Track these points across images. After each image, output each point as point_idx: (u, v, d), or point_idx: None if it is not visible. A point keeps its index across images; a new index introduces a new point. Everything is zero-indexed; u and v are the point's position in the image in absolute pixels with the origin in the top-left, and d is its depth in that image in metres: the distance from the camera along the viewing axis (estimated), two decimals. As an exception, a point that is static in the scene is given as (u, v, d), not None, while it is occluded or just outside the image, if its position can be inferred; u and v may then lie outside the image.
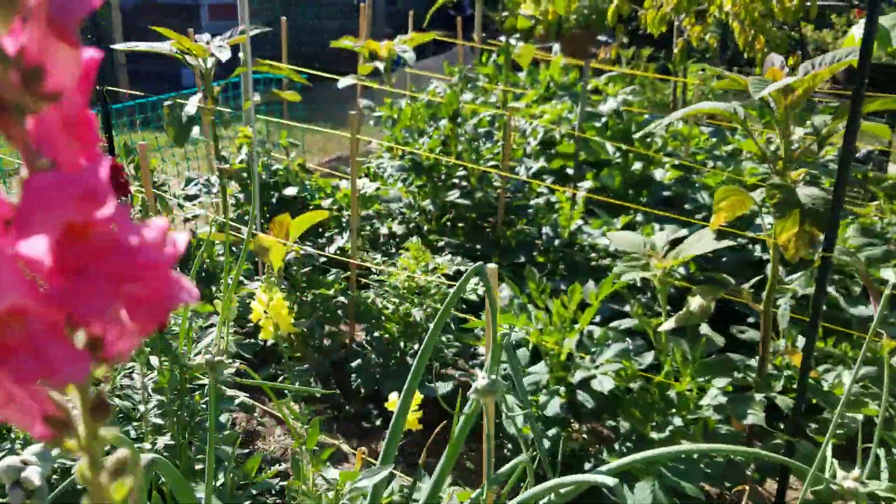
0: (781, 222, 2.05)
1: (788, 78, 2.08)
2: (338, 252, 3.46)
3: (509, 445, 2.65)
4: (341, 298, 3.02)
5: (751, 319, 3.18)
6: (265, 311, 2.16)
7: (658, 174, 4.06)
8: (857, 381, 2.54)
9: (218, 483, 1.53)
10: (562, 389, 2.49)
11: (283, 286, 3.28)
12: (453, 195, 3.51)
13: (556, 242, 3.52)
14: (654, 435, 2.39)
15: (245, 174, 4.21)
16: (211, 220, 4.57)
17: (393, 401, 1.90)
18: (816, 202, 2.07)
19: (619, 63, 7.51)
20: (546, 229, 3.58)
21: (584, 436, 2.89)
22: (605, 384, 2.32)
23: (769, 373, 2.45)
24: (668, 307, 2.57)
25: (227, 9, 11.11)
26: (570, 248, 3.51)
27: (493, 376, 1.55)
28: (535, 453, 1.87)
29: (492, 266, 1.47)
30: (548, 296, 2.65)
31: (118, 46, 3.78)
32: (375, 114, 4.21)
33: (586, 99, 4.66)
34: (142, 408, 1.51)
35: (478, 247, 3.55)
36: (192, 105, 3.58)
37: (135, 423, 1.54)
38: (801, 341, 2.75)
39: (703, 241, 2.52)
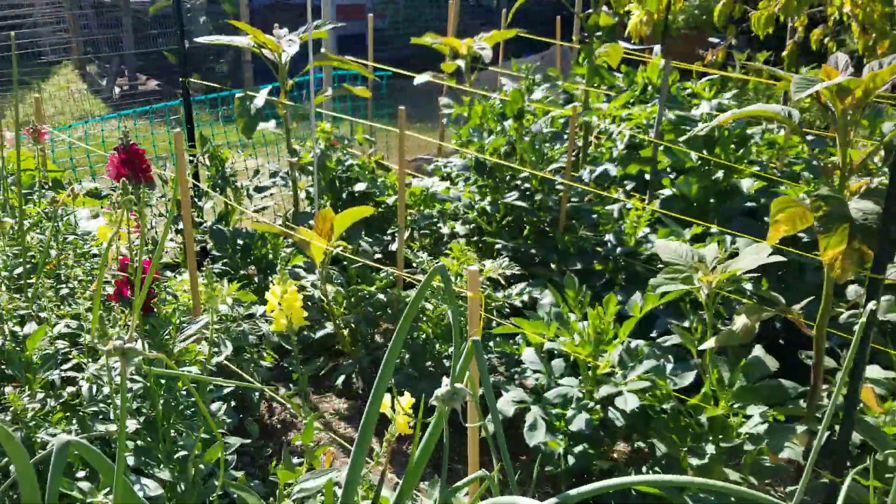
0: (826, 238, 1.88)
1: (841, 77, 1.90)
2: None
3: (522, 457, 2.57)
4: (381, 296, 3.04)
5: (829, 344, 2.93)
6: (279, 304, 2.20)
7: (745, 184, 3.83)
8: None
9: (188, 474, 1.56)
10: (591, 405, 2.39)
11: (337, 280, 3.34)
12: (511, 197, 3.45)
13: (618, 251, 3.39)
14: (692, 461, 2.25)
15: (319, 168, 4.32)
16: (283, 213, 4.72)
17: (386, 403, 1.88)
18: (869, 218, 1.89)
19: (733, 66, 7.15)
20: (609, 237, 3.45)
21: (625, 455, 2.76)
22: (629, 402, 2.21)
23: (820, 404, 2.25)
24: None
25: (354, 8, 11.53)
26: (633, 257, 3.37)
27: (458, 384, 1.50)
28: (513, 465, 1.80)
29: (445, 263, 1.42)
30: (586, 305, 2.55)
31: (200, 40, 3.99)
32: (446, 111, 4.21)
33: (680, 102, 4.47)
34: (106, 389, 1.58)
35: (533, 251, 3.47)
36: (260, 98, 3.72)
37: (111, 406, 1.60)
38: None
39: (754, 256, 2.35)
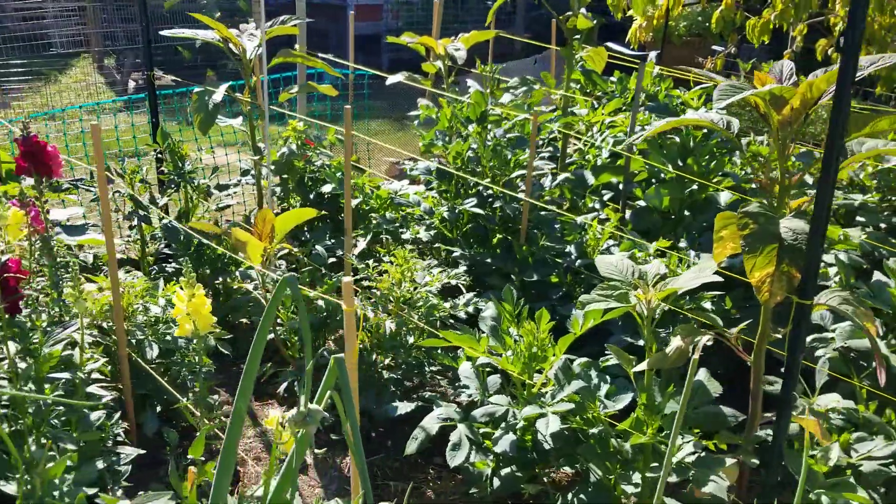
0: (753, 258, 1.77)
1: (772, 85, 1.79)
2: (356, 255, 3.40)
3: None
4: (321, 302, 2.95)
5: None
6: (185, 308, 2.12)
7: (723, 197, 3.70)
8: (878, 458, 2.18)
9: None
10: (519, 425, 2.29)
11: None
12: (469, 203, 3.35)
13: (578, 263, 3.28)
14: (626, 488, 2.14)
15: (286, 168, 4.24)
16: (246, 213, 4.65)
17: (272, 418, 1.78)
18: (800, 237, 1.77)
19: (736, 75, 7.00)
20: (571, 248, 3.34)
21: (567, 479, 2.65)
22: (551, 424, 2.10)
23: (757, 435, 2.13)
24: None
25: (373, 10, 11.55)
26: (594, 270, 3.26)
27: (313, 404, 1.41)
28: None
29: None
30: (524, 319, 2.44)
31: (165, 33, 3.92)
32: (414, 113, 4.12)
33: (672, 111, 4.33)
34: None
35: (488, 260, 3.37)
36: (219, 93, 3.64)
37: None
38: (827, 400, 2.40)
39: (694, 275, 2.23)
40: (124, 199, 3.84)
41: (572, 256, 3.34)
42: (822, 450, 1.98)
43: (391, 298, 2.90)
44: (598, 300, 2.24)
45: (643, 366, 2.21)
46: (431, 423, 2.40)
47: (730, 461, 2.00)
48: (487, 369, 2.55)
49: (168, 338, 2.75)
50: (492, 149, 3.44)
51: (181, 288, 2.10)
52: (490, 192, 3.53)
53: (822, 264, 3.07)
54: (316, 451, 2.83)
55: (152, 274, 3.78)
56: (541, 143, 4.59)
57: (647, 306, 2.29)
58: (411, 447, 2.41)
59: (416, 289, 2.92)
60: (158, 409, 2.74)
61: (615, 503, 2.18)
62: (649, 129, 2.05)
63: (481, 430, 2.38)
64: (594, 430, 2.24)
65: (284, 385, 3.09)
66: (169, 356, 2.76)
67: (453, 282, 2.98)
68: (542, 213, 3.55)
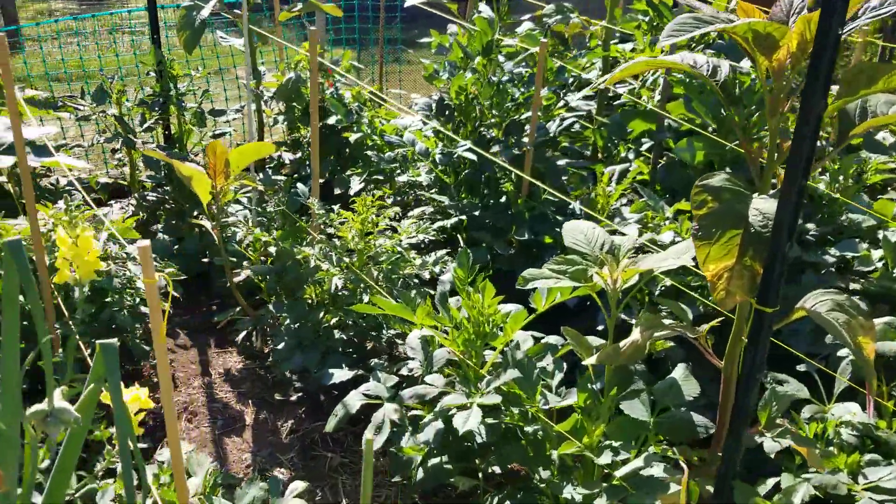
0: (706, 246, 1.40)
1: (755, 19, 1.38)
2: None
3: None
4: (272, 248, 2.71)
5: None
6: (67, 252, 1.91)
7: (772, 156, 3.21)
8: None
9: None
10: (452, 412, 2.00)
11: (261, 223, 3.04)
12: (462, 147, 3.00)
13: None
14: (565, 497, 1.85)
15: (293, 95, 3.98)
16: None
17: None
18: (770, 224, 1.39)
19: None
20: (575, 204, 2.96)
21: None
22: (469, 420, 1.80)
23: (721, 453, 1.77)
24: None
25: None
26: (598, 232, 2.88)
27: (61, 402, 1.17)
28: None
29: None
30: (480, 288, 2.12)
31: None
32: (426, 40, 3.75)
33: (741, 53, 3.81)
34: None
35: (477, 214, 3.03)
36: (207, 8, 3.38)
37: None
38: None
39: (674, 256, 1.86)
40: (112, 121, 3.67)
41: (575, 213, 2.97)
42: (786, 490, 1.61)
43: (352, 250, 2.62)
44: (546, 276, 1.90)
45: (591, 360, 1.87)
46: (354, 399, 2.15)
47: (674, 487, 1.66)
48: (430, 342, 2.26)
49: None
50: (496, 84, 3.05)
51: (62, 229, 1.88)
52: (493, 134, 3.17)
53: (866, 246, 2.60)
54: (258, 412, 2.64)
55: (142, 203, 3.63)
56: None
57: (612, 286, 1.93)
58: (330, 424, 2.17)
59: (378, 241, 2.63)
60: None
61: (550, 515, 1.89)
62: (620, 68, 1.65)
63: (412, 413, 2.11)
64: (529, 429, 1.93)
65: (243, 335, 2.90)
66: (101, 296, 2.59)
67: (422, 236, 2.67)
68: (553, 162, 3.17)
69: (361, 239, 2.61)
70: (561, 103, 3.51)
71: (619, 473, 1.75)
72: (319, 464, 2.44)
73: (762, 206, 1.40)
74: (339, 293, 2.54)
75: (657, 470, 1.75)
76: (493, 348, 2.16)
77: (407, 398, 2.09)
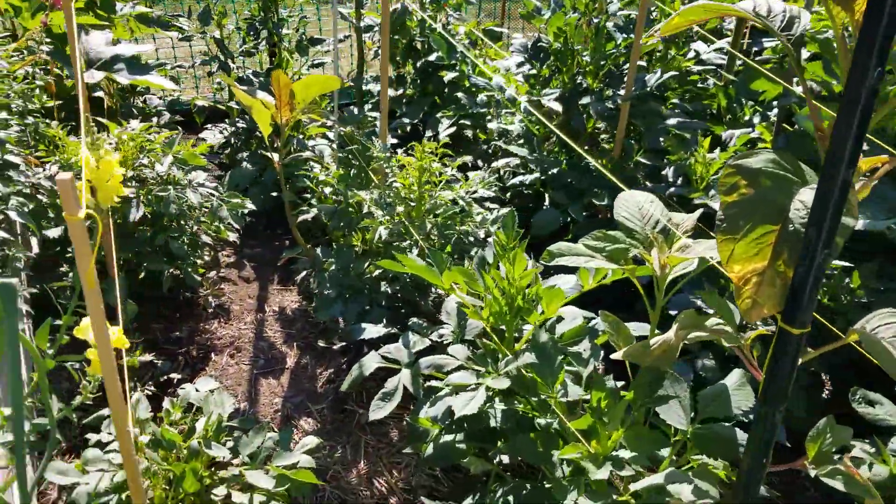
0: (730, 241, 1.16)
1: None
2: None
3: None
4: (327, 190, 2.61)
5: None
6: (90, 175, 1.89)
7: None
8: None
9: None
10: (470, 386, 1.85)
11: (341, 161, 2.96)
12: (550, 97, 2.75)
13: (670, 192, 2.60)
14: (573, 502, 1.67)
15: (397, 27, 3.84)
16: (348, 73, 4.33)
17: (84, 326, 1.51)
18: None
19: None
20: (669, 170, 2.66)
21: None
22: (470, 404, 1.65)
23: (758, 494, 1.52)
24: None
25: None
26: (686, 204, 2.57)
27: None
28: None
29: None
30: (517, 257, 1.93)
31: None
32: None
33: None
34: None
35: (556, 171, 2.78)
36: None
37: None
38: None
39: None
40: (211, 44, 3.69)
41: (668, 180, 2.67)
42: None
43: (408, 200, 2.48)
44: (578, 252, 1.67)
45: (618, 355, 1.64)
46: (371, 361, 2.03)
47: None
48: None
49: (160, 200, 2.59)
50: (596, 27, 2.76)
51: (88, 149, 1.86)
52: (586, 84, 2.89)
53: None
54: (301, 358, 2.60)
55: (235, 130, 3.65)
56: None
57: (659, 273, 1.68)
58: (345, 383, 2.07)
59: (441, 192, 2.47)
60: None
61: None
62: (672, 18, 1.38)
63: (428, 385, 1.97)
64: (542, 421, 1.74)
65: (301, 275, 2.86)
66: (157, 220, 2.61)
67: (483, 191, 2.48)
68: (653, 119, 2.85)
69: (420, 187, 2.47)
70: (691, 54, 3.16)
71: (634, 487, 1.54)
72: (348, 419, 2.37)
73: (809, 199, 1.12)
74: (386, 244, 2.41)
75: (685, 490, 1.52)
76: (525, 326, 1.98)
77: (424, 367, 1.95)
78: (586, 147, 2.97)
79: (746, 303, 1.17)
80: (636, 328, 1.93)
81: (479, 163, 3.32)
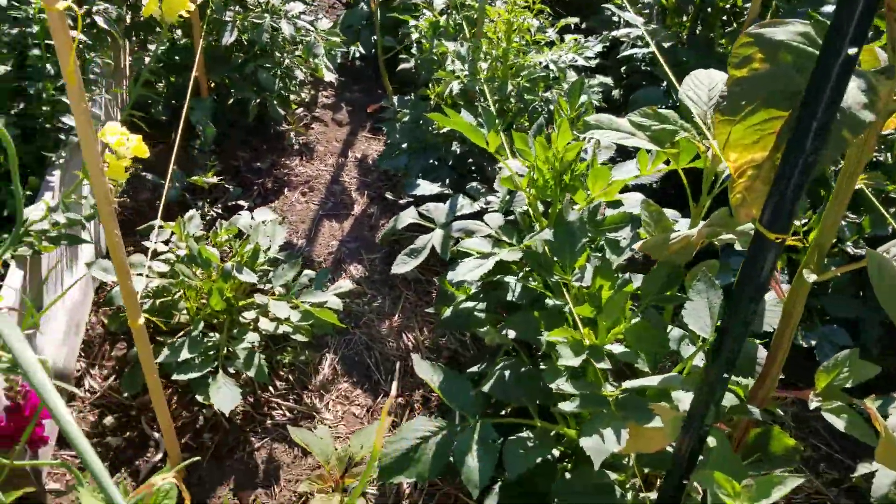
0: (727, 123, 1.01)
1: None
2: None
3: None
4: (414, 36, 2.51)
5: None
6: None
7: None
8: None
9: None
10: (489, 265, 1.79)
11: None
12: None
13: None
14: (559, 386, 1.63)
15: None
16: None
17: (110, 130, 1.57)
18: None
19: None
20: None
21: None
22: (473, 272, 1.59)
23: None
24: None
25: None
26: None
27: None
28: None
29: None
30: (559, 128, 1.80)
31: None
32: None
33: None
34: None
35: (667, 46, 2.52)
36: None
37: None
38: None
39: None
40: None
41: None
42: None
43: (492, 56, 2.35)
44: (616, 127, 1.52)
45: (636, 245, 1.51)
46: (406, 217, 1.99)
47: (656, 422, 1.32)
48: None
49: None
50: None
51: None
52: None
53: None
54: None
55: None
56: None
57: (709, 162, 1.51)
58: (380, 234, 2.06)
59: (532, 53, 2.31)
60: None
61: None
62: None
63: (458, 248, 1.92)
64: (550, 302, 1.65)
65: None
66: (248, 49, 2.63)
67: (572, 55, 2.29)
68: None
69: (508, 43, 2.32)
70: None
71: (626, 384, 1.45)
72: (386, 276, 2.38)
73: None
74: (460, 99, 2.32)
75: (683, 399, 1.42)
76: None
77: (455, 230, 1.89)
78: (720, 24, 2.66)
79: (736, 198, 1.02)
80: (685, 225, 1.76)
81: (600, 29, 3.07)
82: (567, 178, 1.80)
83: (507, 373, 1.70)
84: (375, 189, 2.70)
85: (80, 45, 2.02)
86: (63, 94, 1.96)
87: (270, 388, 2.03)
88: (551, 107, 2.31)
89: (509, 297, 1.78)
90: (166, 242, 2.13)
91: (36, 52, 1.93)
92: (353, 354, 2.14)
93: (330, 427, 1.96)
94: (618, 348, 1.46)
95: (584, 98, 1.96)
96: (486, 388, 1.68)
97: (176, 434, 1.90)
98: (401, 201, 2.59)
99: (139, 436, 1.89)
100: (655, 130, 1.51)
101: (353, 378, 2.09)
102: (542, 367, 1.62)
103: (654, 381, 1.43)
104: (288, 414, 1.98)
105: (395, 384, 2.09)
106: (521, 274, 1.72)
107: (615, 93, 2.90)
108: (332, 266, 2.39)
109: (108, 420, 1.91)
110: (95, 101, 2.13)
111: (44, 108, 1.94)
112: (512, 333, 1.77)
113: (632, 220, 1.79)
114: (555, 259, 1.63)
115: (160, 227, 2.12)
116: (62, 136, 2.00)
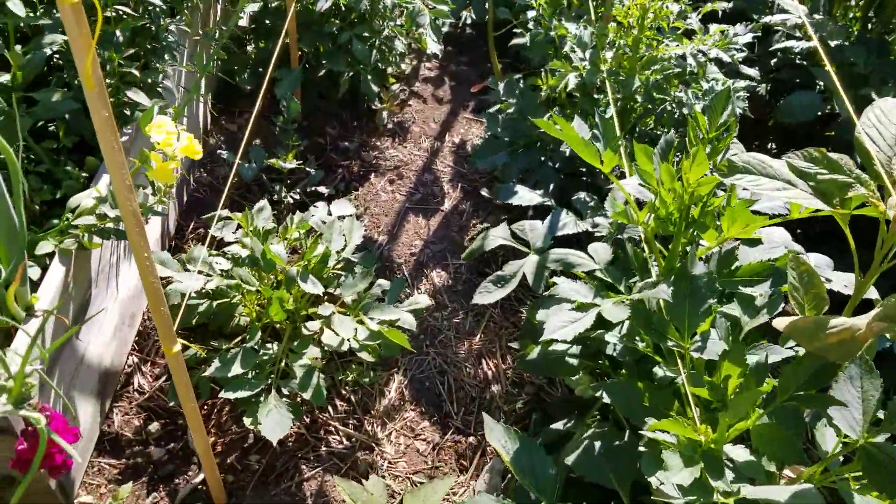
0: None
1: None
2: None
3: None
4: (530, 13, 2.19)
5: None
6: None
7: None
8: None
9: None
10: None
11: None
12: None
13: None
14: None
15: None
16: None
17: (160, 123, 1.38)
18: None
19: None
20: None
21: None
22: (564, 330, 1.32)
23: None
24: None
25: None
26: None
27: None
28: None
29: None
30: (693, 154, 1.48)
31: None
32: None
33: None
34: None
35: (836, 45, 2.11)
36: None
37: None
38: None
39: None
40: None
41: None
42: None
43: (620, 45, 2.01)
44: (772, 175, 1.19)
45: (778, 323, 1.19)
46: (496, 236, 1.72)
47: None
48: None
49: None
50: None
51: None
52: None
53: None
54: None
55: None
56: None
57: (891, 223, 1.17)
58: (465, 252, 1.80)
59: (668, 42, 1.97)
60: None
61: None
62: None
63: (553, 280, 1.64)
64: (660, 372, 1.36)
65: (494, 109, 2.54)
66: (345, 16, 2.39)
67: (715, 51, 1.93)
68: None
69: (640, 31, 1.98)
70: None
71: (745, 492, 1.16)
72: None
73: None
74: (575, 95, 2.01)
75: None
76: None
77: (551, 260, 1.61)
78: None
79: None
80: (842, 281, 1.43)
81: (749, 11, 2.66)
82: (696, 213, 1.49)
83: (597, 444, 1.43)
84: (470, 182, 2.43)
85: (152, 9, 1.83)
86: (131, 66, 1.78)
87: (330, 408, 1.83)
88: (685, 110, 1.96)
89: (609, 351, 1.50)
90: (235, 231, 1.95)
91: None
92: (424, 378, 1.91)
93: (390, 463, 1.75)
94: (739, 452, 1.17)
95: (727, 111, 1.62)
96: (569, 460, 1.41)
97: (222, 451, 1.74)
98: (497, 201, 2.31)
99: (183, 449, 1.74)
100: (822, 181, 1.18)
101: (421, 406, 1.86)
102: (641, 447, 1.34)
103: (782, 493, 1.14)
104: (345, 441, 1.78)
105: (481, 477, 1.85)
106: (623, 331, 1.42)
107: (760, 89, 2.50)
108: (413, 270, 2.15)
109: (154, 427, 1.77)
110: (167, 74, 1.94)
111: (108, 81, 1.77)
112: (607, 398, 1.49)
113: (774, 273, 1.46)
114: (671, 321, 1.33)
115: (227, 218, 1.94)
116: (127, 112, 1.83)
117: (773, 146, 2.55)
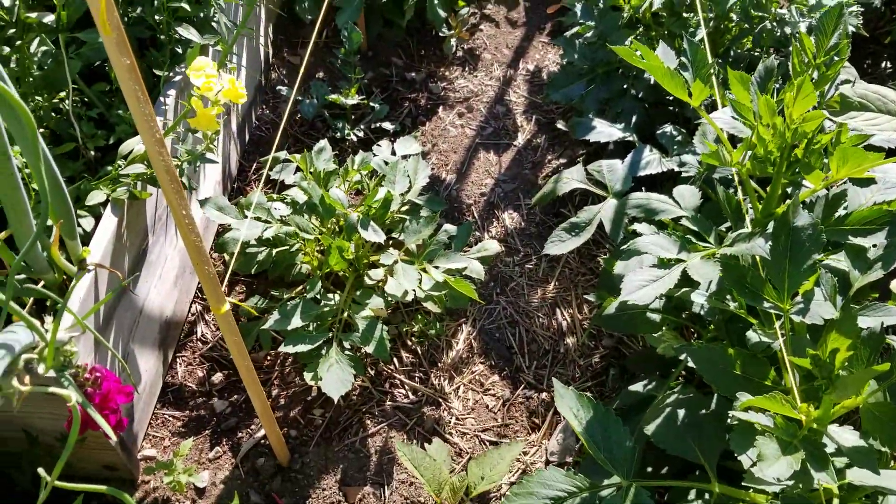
0: None
1: None
2: None
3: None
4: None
5: None
6: None
7: None
8: None
9: None
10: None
11: None
12: None
13: None
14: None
15: None
16: None
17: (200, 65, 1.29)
18: None
19: None
20: None
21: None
22: (643, 291, 1.19)
23: None
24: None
25: None
26: None
27: None
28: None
29: None
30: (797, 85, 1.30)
31: None
32: None
33: None
34: None
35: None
36: None
37: None
38: None
39: None
40: None
41: None
42: None
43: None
44: (889, 108, 1.01)
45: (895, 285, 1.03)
46: (569, 179, 1.58)
47: None
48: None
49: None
50: None
51: None
52: None
53: None
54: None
55: None
56: None
57: None
58: (535, 197, 1.67)
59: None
60: None
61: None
62: None
63: (633, 228, 1.49)
64: (753, 337, 1.22)
65: (570, 33, 2.35)
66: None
67: None
68: None
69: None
70: None
71: (851, 476, 1.03)
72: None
73: None
74: (660, 16, 1.81)
75: None
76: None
77: (631, 205, 1.46)
78: None
79: None
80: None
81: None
82: (799, 152, 1.31)
83: (680, 412, 1.31)
84: (546, 113, 2.27)
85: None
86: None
87: (395, 360, 1.76)
88: (787, 29, 1.74)
89: (696, 310, 1.36)
90: (294, 173, 1.86)
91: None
92: (494, 329, 1.81)
93: (457, 420, 1.68)
94: (847, 436, 1.03)
95: (838, 31, 1.40)
96: (648, 430, 1.30)
97: (285, 405, 1.70)
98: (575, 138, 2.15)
99: (246, 402, 1.70)
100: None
101: (490, 359, 1.77)
102: (731, 419, 1.22)
103: (893, 479, 1.00)
104: (411, 396, 1.71)
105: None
106: (713, 288, 1.28)
107: (876, 0, 2.22)
108: (483, 212, 2.03)
109: (217, 378, 1.74)
110: (221, 7, 1.83)
111: (157, 18, 1.68)
112: (692, 363, 1.36)
113: (891, 220, 1.28)
114: (768, 279, 1.18)
115: (286, 160, 1.85)
116: (178, 50, 1.74)
117: (889, 65, 2.28)
